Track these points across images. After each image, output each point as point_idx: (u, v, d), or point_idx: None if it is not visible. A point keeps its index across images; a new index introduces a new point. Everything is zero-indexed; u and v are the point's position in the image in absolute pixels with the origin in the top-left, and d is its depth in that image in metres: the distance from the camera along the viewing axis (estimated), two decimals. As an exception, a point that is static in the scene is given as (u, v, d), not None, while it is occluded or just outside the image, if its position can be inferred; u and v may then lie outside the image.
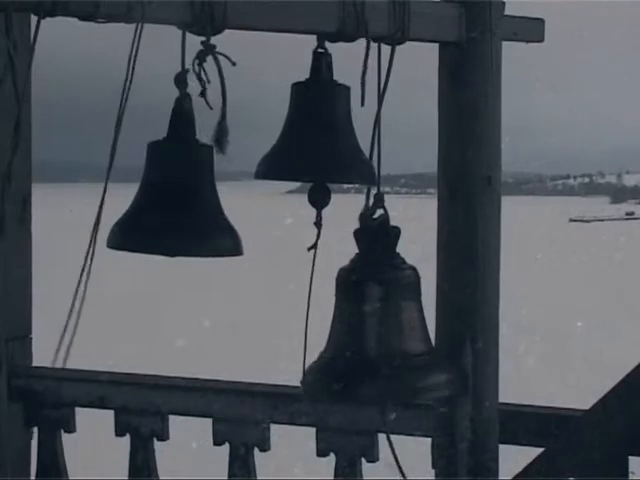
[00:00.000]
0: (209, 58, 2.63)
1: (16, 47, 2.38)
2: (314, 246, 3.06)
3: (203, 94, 2.67)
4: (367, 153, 3.01)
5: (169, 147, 2.71)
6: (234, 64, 2.61)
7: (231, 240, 2.70)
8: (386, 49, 2.93)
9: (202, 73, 2.64)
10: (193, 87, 2.71)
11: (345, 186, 3.38)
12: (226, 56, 2.62)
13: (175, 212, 2.63)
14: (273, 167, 2.99)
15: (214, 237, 2.67)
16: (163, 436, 3.98)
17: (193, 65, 2.64)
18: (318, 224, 3.04)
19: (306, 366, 2.99)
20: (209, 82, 2.65)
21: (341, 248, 3.18)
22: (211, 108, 2.68)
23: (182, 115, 2.69)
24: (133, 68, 2.73)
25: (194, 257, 2.66)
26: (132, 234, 2.66)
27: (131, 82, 2.67)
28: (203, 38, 2.63)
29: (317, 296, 3.07)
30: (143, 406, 3.98)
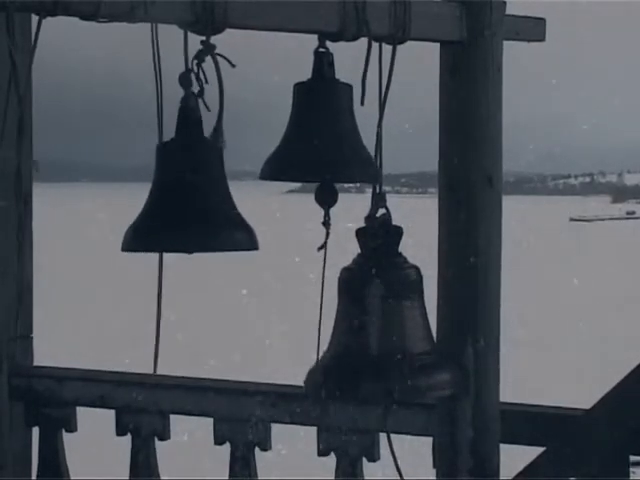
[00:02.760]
0: (208, 59, 2.63)
1: (17, 47, 2.38)
2: (323, 246, 3.06)
3: (201, 95, 2.68)
4: (370, 151, 3.01)
5: (178, 147, 2.72)
6: (234, 66, 2.62)
7: (247, 235, 2.71)
8: (387, 49, 2.93)
9: (201, 73, 2.65)
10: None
11: (346, 185, 3.37)
12: (225, 58, 2.61)
13: (189, 210, 2.65)
14: (278, 168, 3.00)
15: (230, 232, 2.69)
16: (164, 436, 3.98)
17: (192, 65, 2.64)
18: (326, 224, 3.04)
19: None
20: (207, 82, 2.65)
21: (342, 247, 3.18)
22: (209, 109, 2.68)
23: (189, 114, 2.70)
24: (159, 68, 2.75)
25: (212, 252, 2.67)
26: (148, 235, 2.67)
27: (161, 83, 2.69)
28: (204, 38, 2.63)
29: (318, 296, 3.07)
30: (144, 406, 3.98)
